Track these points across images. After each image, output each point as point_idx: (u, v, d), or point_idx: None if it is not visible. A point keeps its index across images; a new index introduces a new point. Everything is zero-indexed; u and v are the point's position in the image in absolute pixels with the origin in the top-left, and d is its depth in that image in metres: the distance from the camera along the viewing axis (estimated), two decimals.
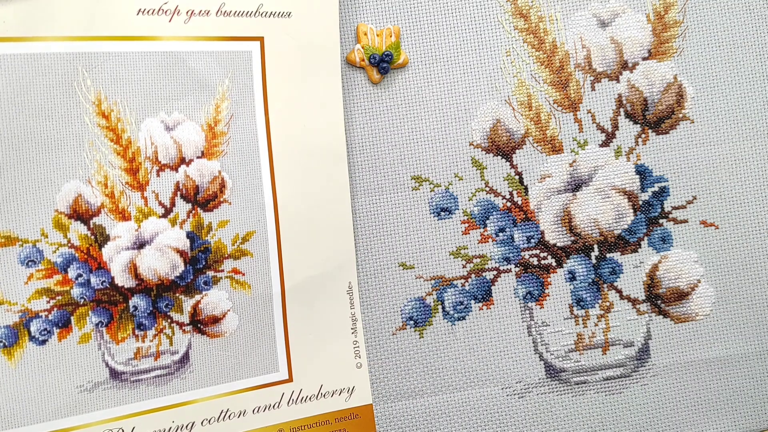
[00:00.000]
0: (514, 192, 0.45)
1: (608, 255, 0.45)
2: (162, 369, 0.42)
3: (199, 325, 0.43)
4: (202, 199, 0.42)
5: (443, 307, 0.45)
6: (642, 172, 0.45)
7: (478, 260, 0.45)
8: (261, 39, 0.42)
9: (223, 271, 0.43)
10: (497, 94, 0.45)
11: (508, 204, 0.45)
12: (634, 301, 0.45)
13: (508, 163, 0.45)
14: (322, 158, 0.43)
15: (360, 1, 0.45)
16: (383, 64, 0.44)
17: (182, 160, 0.42)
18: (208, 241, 0.42)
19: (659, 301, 0.45)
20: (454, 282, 0.45)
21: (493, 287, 0.45)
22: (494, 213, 0.45)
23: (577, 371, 0.45)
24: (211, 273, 0.43)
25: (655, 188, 0.45)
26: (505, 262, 0.45)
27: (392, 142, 0.45)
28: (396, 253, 0.45)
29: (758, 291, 0.45)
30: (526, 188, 0.45)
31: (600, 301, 0.45)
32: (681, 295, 0.45)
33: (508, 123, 0.45)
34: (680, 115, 0.45)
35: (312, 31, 0.43)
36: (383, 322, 0.44)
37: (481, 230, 0.45)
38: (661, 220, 0.45)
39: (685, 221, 0.45)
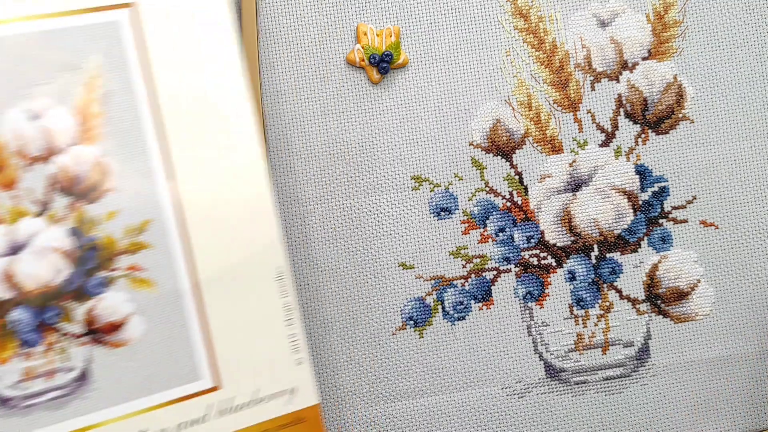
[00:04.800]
0: (514, 192, 0.45)
1: (608, 255, 0.45)
2: (58, 390, 0.37)
3: (96, 335, 0.38)
4: (83, 190, 0.38)
5: (443, 307, 0.45)
6: (642, 172, 0.45)
7: (478, 260, 0.45)
8: (131, 5, 0.38)
9: (118, 269, 0.38)
10: (497, 94, 0.45)
11: (508, 204, 0.45)
12: (633, 301, 0.45)
13: (507, 163, 0.45)
14: (228, 130, 0.39)
15: (360, 1, 0.45)
16: (383, 64, 0.44)
17: (54, 150, 0.37)
18: (95, 237, 0.38)
19: (659, 301, 0.45)
20: (454, 282, 0.45)
21: (493, 287, 0.45)
22: (494, 213, 0.45)
23: (576, 371, 0.45)
24: (103, 273, 0.38)
25: (655, 188, 0.45)
26: (505, 262, 0.45)
27: (392, 142, 0.45)
28: (396, 253, 0.45)
29: (758, 291, 0.45)
30: (526, 188, 0.45)
31: (600, 301, 0.45)
32: (681, 295, 0.45)
33: (508, 123, 0.45)
34: (680, 115, 0.45)
35: (198, 5, 0.39)
36: (383, 322, 0.44)
37: (481, 230, 0.45)
38: (660, 220, 0.45)
39: (685, 221, 0.45)
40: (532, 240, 0.45)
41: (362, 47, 0.44)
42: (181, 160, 0.39)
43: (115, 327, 0.38)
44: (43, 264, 0.37)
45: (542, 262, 0.45)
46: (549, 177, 0.45)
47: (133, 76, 0.38)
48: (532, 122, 0.45)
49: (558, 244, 0.45)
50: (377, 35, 0.44)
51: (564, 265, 0.45)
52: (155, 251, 0.38)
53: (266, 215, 0.40)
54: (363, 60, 0.44)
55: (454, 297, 0.45)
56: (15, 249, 0.37)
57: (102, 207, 0.38)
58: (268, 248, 0.39)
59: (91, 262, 0.38)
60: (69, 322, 0.38)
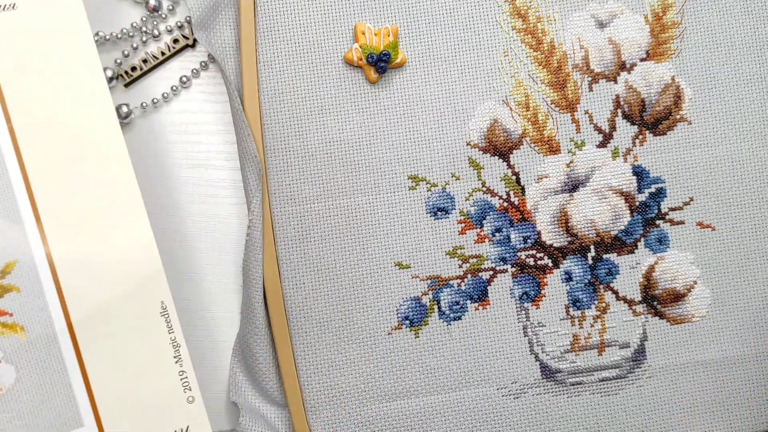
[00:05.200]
0: (511, 192, 0.45)
1: (605, 256, 0.45)
2: None
3: None
4: None
5: (439, 307, 0.45)
6: (639, 173, 0.45)
7: (475, 260, 0.45)
8: None
9: None
10: (495, 94, 0.45)
11: (505, 204, 0.45)
12: (630, 302, 0.45)
13: (505, 164, 0.45)
14: (96, 157, 0.37)
15: (358, 0, 0.45)
16: (381, 63, 0.44)
17: None
18: None
19: (655, 303, 0.45)
20: (450, 282, 0.45)
21: (489, 287, 0.45)
22: (491, 213, 0.45)
23: (572, 372, 0.45)
24: None
25: (652, 189, 0.45)
26: (501, 263, 0.45)
27: (389, 142, 0.45)
28: (392, 253, 0.45)
29: (755, 293, 0.45)
30: (523, 188, 0.45)
31: (596, 302, 0.45)
32: (677, 297, 0.45)
33: (506, 123, 0.45)
34: (678, 117, 0.45)
35: (52, 22, 0.37)
36: (379, 322, 0.44)
37: (478, 230, 0.45)
38: (657, 222, 0.45)
39: (682, 223, 0.45)
40: (529, 240, 0.45)
41: (360, 46, 0.44)
42: (46, 196, 0.37)
43: None
44: None
45: (539, 262, 0.45)
46: (546, 177, 0.45)
47: None
48: (530, 122, 0.45)
49: (555, 245, 0.45)
50: (375, 35, 0.44)
51: (560, 265, 0.45)
52: (23, 294, 0.37)
53: (146, 246, 0.38)
54: (361, 59, 0.44)
55: (450, 297, 0.45)
56: None
57: None
58: (151, 281, 0.38)
59: None
60: None
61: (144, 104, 0.47)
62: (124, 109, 0.46)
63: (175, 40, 0.48)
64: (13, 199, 0.36)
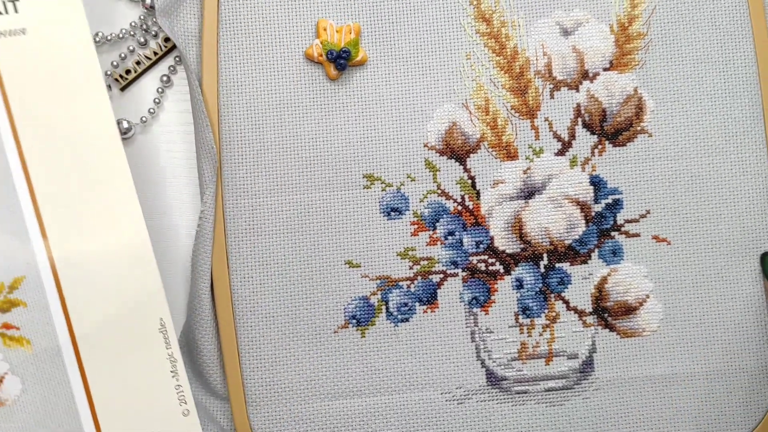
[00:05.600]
0: (466, 196, 0.45)
1: (557, 265, 0.45)
2: None
3: None
4: None
5: (387, 308, 0.44)
6: (596, 183, 0.45)
7: (426, 262, 0.44)
8: None
9: None
10: (455, 96, 0.45)
11: (459, 208, 0.45)
12: (580, 313, 0.45)
13: (461, 167, 0.45)
14: (101, 180, 0.39)
15: None
16: (340, 60, 0.44)
17: None
18: None
19: (606, 315, 0.45)
20: (400, 283, 0.44)
21: (438, 290, 0.44)
22: (444, 216, 0.45)
23: (518, 380, 0.44)
24: None
25: (609, 200, 0.45)
26: (452, 266, 0.44)
27: (346, 139, 0.45)
28: (343, 251, 0.44)
29: (707, 310, 0.44)
30: (478, 193, 0.45)
31: (546, 310, 0.45)
32: (629, 310, 0.45)
33: (464, 126, 0.45)
34: (638, 128, 0.45)
35: (58, 47, 0.39)
36: (325, 320, 0.44)
37: (431, 233, 0.45)
38: (613, 233, 0.45)
39: (637, 235, 0.45)
40: (481, 245, 0.45)
41: (321, 42, 0.44)
42: (53, 216, 0.38)
43: None
44: None
45: (490, 268, 0.45)
46: (502, 183, 0.45)
47: (1, 131, 0.38)
48: (489, 127, 0.45)
49: (507, 251, 0.45)
50: (337, 31, 0.44)
51: (512, 272, 0.45)
52: (29, 309, 0.38)
53: (147, 264, 0.39)
54: (321, 55, 0.44)
55: (398, 298, 0.44)
56: None
57: None
58: (150, 298, 0.39)
59: None
60: None
61: (143, 119, 0.47)
62: (125, 124, 0.45)
63: (167, 39, 0.47)
64: (22, 219, 0.38)
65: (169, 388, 0.39)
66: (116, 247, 0.39)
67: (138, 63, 0.47)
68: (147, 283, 0.39)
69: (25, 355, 0.38)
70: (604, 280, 0.45)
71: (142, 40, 0.47)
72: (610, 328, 0.45)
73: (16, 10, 0.39)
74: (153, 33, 0.47)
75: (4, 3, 0.38)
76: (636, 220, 0.45)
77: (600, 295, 0.45)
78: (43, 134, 0.38)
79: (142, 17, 0.47)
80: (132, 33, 0.47)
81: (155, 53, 0.47)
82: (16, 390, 0.38)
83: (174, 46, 0.47)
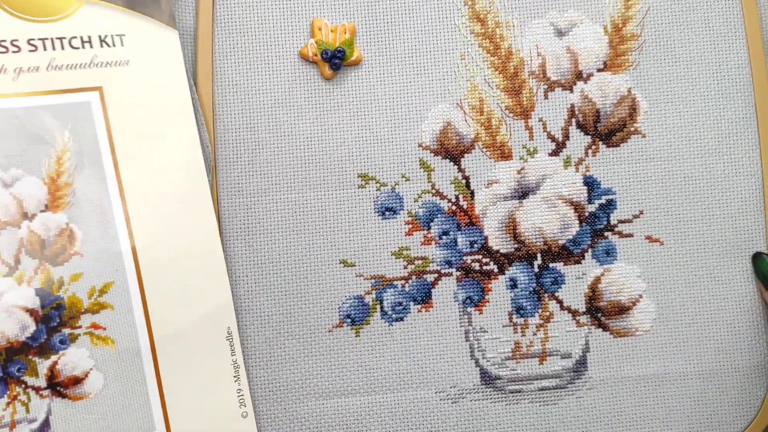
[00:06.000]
0: (460, 196, 0.45)
1: (551, 265, 0.45)
2: None
3: (58, 388, 0.41)
4: (50, 254, 0.41)
5: (382, 307, 0.44)
6: (590, 183, 0.45)
7: (420, 262, 0.45)
8: (99, 89, 0.42)
9: (80, 327, 0.41)
10: (449, 97, 0.45)
11: (454, 207, 0.45)
12: (574, 313, 0.45)
13: (456, 167, 0.45)
14: (184, 201, 0.43)
15: None
16: (335, 60, 0.44)
17: (24, 216, 0.41)
18: (60, 297, 0.41)
19: (600, 314, 0.45)
20: (395, 282, 0.44)
21: (433, 290, 0.45)
22: (439, 216, 0.45)
23: (512, 379, 0.44)
24: (67, 330, 0.41)
25: (603, 200, 0.45)
26: (446, 266, 0.45)
27: (341, 139, 0.45)
28: (338, 250, 0.44)
29: (699, 309, 0.45)
30: (472, 193, 0.45)
31: (540, 310, 0.45)
32: (622, 310, 0.45)
33: (459, 126, 0.45)
34: (632, 129, 0.45)
35: (156, 77, 0.43)
36: (320, 319, 0.44)
37: (425, 232, 0.45)
38: (606, 233, 0.45)
39: (631, 235, 0.45)
40: (475, 245, 0.45)
41: (316, 42, 0.44)
42: (141, 228, 0.42)
43: (76, 381, 0.41)
44: (11, 321, 0.40)
45: (484, 267, 0.45)
46: (496, 183, 0.45)
47: (102, 151, 0.42)
48: (483, 127, 0.45)
49: (501, 251, 0.45)
50: (332, 31, 0.44)
51: (506, 272, 0.45)
52: (116, 312, 0.42)
53: (220, 276, 0.43)
54: (316, 55, 0.44)
55: (393, 297, 0.44)
56: None
57: (68, 269, 0.41)
58: (221, 309, 0.43)
59: (56, 320, 0.41)
60: (33, 376, 0.41)
61: None
62: None
63: None
64: (116, 232, 0.42)
65: (231, 392, 0.42)
66: (194, 261, 0.42)
67: None
68: (218, 295, 0.43)
69: (109, 353, 0.41)
70: (597, 279, 0.45)
71: None
72: (604, 327, 0.45)
73: (122, 44, 0.43)
74: None
75: (112, 37, 0.43)
76: (629, 221, 0.45)
77: (593, 294, 0.45)
78: (137, 157, 0.42)
79: None
80: None
81: None
82: (98, 385, 0.41)
83: None
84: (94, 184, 0.42)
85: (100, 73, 0.42)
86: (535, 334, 0.45)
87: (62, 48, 0.42)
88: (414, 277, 0.45)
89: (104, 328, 0.41)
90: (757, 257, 0.44)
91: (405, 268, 0.45)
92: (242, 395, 0.43)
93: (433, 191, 0.45)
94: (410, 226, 0.45)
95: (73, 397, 0.41)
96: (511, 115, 0.45)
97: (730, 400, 0.44)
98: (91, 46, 0.42)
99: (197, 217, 0.43)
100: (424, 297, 0.45)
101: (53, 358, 0.41)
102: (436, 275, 0.45)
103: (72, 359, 0.41)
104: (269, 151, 0.44)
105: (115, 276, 0.42)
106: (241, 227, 0.44)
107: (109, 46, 0.42)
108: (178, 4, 0.45)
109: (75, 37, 0.42)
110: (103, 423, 0.41)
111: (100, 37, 0.42)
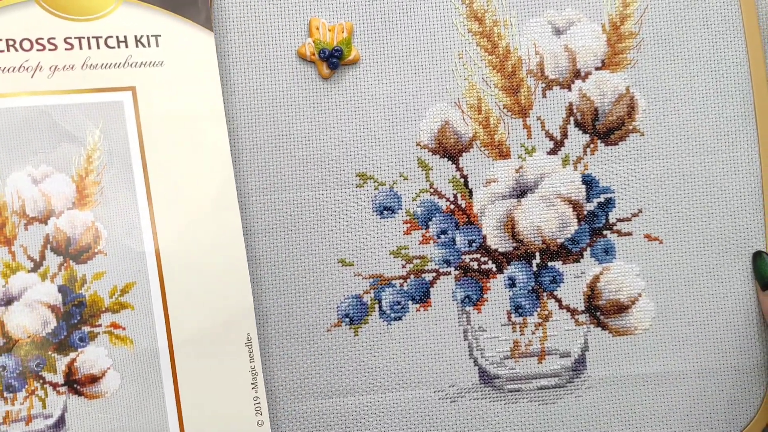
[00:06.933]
0: (459, 195, 0.45)
1: (549, 263, 0.45)
2: None
3: (75, 386, 0.41)
4: (75, 251, 0.41)
5: (380, 306, 0.44)
6: (589, 182, 0.45)
7: (418, 261, 0.45)
8: (132, 89, 0.42)
9: (100, 326, 0.41)
10: (447, 95, 0.45)
11: (452, 206, 0.45)
12: (573, 312, 0.45)
13: (454, 166, 0.45)
14: (210, 205, 0.42)
15: None
16: (333, 59, 0.44)
17: (51, 212, 0.41)
18: (82, 295, 0.41)
19: (598, 313, 0.45)
20: (393, 281, 0.44)
21: (431, 289, 0.45)
22: (437, 215, 0.45)
23: (511, 378, 0.44)
24: (87, 328, 0.41)
25: (601, 199, 0.45)
26: (445, 265, 0.45)
27: (339, 138, 0.45)
28: (336, 250, 0.44)
29: (699, 308, 0.45)
30: (470, 192, 0.45)
31: (539, 309, 0.45)
32: (621, 308, 0.45)
33: (457, 125, 0.45)
34: (630, 127, 0.45)
35: (189, 78, 0.43)
36: (318, 318, 0.44)
37: (423, 231, 0.45)
38: (605, 232, 0.45)
39: (630, 234, 0.45)
40: (474, 244, 0.45)
41: (313, 41, 0.44)
42: (165, 231, 0.42)
43: (93, 379, 0.41)
44: (33, 316, 0.41)
45: (482, 266, 0.45)
46: (495, 182, 0.45)
47: (132, 152, 0.42)
48: (481, 126, 0.45)
49: (500, 250, 0.45)
50: (329, 30, 0.44)
51: (504, 271, 0.45)
52: (136, 312, 0.42)
53: (242, 282, 0.42)
54: (313, 54, 0.44)
55: (391, 296, 0.44)
56: (9, 300, 0.41)
57: (91, 268, 0.41)
58: (241, 314, 0.42)
59: (76, 317, 0.41)
60: (51, 372, 0.41)
61: None
62: None
63: None
64: (140, 233, 0.42)
65: (248, 399, 0.42)
66: (217, 266, 0.42)
67: None
68: (239, 300, 0.42)
69: (127, 353, 0.41)
70: (596, 278, 0.45)
71: None
72: (603, 326, 0.45)
73: (157, 44, 0.43)
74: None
75: (148, 37, 0.43)
76: (628, 219, 0.45)
77: (592, 293, 0.45)
78: (166, 158, 0.42)
79: None
80: None
81: None
82: (115, 384, 0.41)
83: None
84: (122, 184, 0.42)
85: (134, 73, 0.42)
86: (533, 333, 0.45)
87: (98, 47, 0.42)
88: (412, 276, 0.45)
89: (123, 328, 0.41)
90: (757, 256, 0.44)
91: (403, 267, 0.44)
92: (259, 403, 0.42)
93: (432, 190, 0.45)
94: (408, 225, 0.45)
95: (89, 395, 0.41)
96: (509, 113, 0.45)
97: (729, 399, 0.44)
98: (126, 46, 0.42)
99: (223, 222, 0.42)
100: (422, 296, 0.44)
101: (72, 355, 0.41)
102: (434, 274, 0.45)
103: (90, 357, 0.41)
104: (267, 150, 0.44)
105: (137, 276, 0.41)
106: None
107: (144, 46, 0.42)
108: None
109: (111, 37, 0.42)
110: (118, 423, 0.41)
111: (135, 37, 0.42)
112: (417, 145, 0.45)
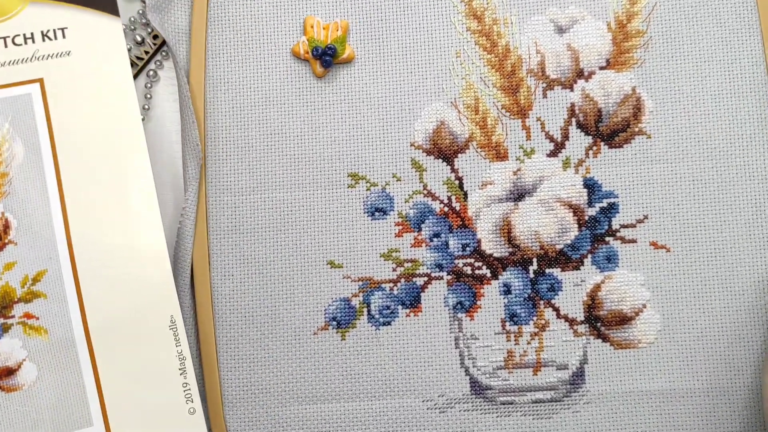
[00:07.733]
0: (453, 197, 0.43)
1: (547, 270, 0.43)
2: None
3: None
4: None
5: (369, 311, 0.43)
6: (591, 185, 0.43)
7: (410, 264, 0.43)
8: (40, 80, 0.43)
9: (13, 317, 0.41)
10: (444, 95, 0.44)
11: (446, 209, 0.43)
12: (571, 322, 0.42)
13: (448, 167, 0.43)
14: (125, 187, 0.42)
15: None
16: (326, 57, 0.43)
17: None
18: None
19: (599, 324, 0.42)
20: (383, 285, 0.43)
21: (422, 294, 0.43)
22: (430, 217, 0.43)
23: (504, 390, 0.42)
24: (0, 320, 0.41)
25: (604, 204, 0.43)
26: (437, 269, 0.43)
27: (332, 137, 0.44)
28: (325, 251, 0.43)
29: (708, 321, 0.42)
30: (465, 194, 0.43)
31: (535, 318, 0.43)
32: (624, 320, 0.42)
33: (453, 126, 0.43)
34: (636, 129, 0.43)
35: (98, 64, 0.43)
36: (305, 321, 0.43)
37: (415, 234, 0.43)
38: (607, 238, 0.43)
39: (634, 241, 0.42)
40: (468, 248, 0.43)
41: (307, 39, 0.44)
42: (77, 217, 0.42)
43: (9, 372, 0.40)
44: None
45: (476, 272, 0.43)
46: (491, 184, 0.43)
47: (41, 141, 0.42)
48: (478, 126, 0.43)
49: (495, 255, 0.43)
50: (324, 28, 0.44)
51: (499, 277, 0.43)
52: (49, 300, 0.41)
53: (160, 263, 0.41)
54: (307, 52, 0.44)
55: (381, 300, 0.43)
56: None
57: (1, 258, 0.41)
58: (162, 296, 0.41)
59: None
60: None
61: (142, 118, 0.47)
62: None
63: (155, 36, 0.48)
64: (50, 219, 0.41)
65: (177, 386, 0.41)
66: (133, 246, 0.42)
67: (132, 65, 0.47)
68: (159, 282, 0.41)
69: (42, 343, 0.41)
70: (597, 287, 0.42)
71: (138, 38, 0.47)
72: (603, 338, 0.42)
73: (64, 36, 0.44)
74: (151, 29, 0.47)
75: (54, 31, 0.43)
76: (633, 225, 0.43)
77: (593, 303, 0.42)
78: (77, 144, 0.42)
79: (140, 11, 0.47)
80: (132, 28, 0.47)
81: (146, 52, 0.48)
82: (32, 376, 0.40)
83: (162, 45, 0.47)
84: (31, 173, 0.42)
85: (42, 66, 0.43)
86: (529, 343, 0.42)
87: (5, 46, 0.43)
88: (403, 280, 0.43)
89: (37, 318, 0.41)
90: None
91: (394, 270, 0.43)
92: (189, 390, 0.41)
93: (425, 192, 0.43)
94: (400, 227, 0.43)
95: (6, 388, 0.41)
96: (507, 114, 0.43)
97: (740, 418, 0.41)
98: (33, 42, 0.43)
99: (138, 201, 0.42)
100: (413, 301, 0.43)
101: None
102: (426, 279, 0.43)
103: (5, 349, 0.41)
104: (258, 148, 0.44)
105: (48, 264, 0.41)
106: (227, 225, 0.43)
107: (51, 39, 0.43)
108: (173, 2, 0.45)
109: (18, 35, 0.43)
110: (37, 416, 0.40)
111: (42, 32, 0.43)
112: (411, 145, 0.44)
